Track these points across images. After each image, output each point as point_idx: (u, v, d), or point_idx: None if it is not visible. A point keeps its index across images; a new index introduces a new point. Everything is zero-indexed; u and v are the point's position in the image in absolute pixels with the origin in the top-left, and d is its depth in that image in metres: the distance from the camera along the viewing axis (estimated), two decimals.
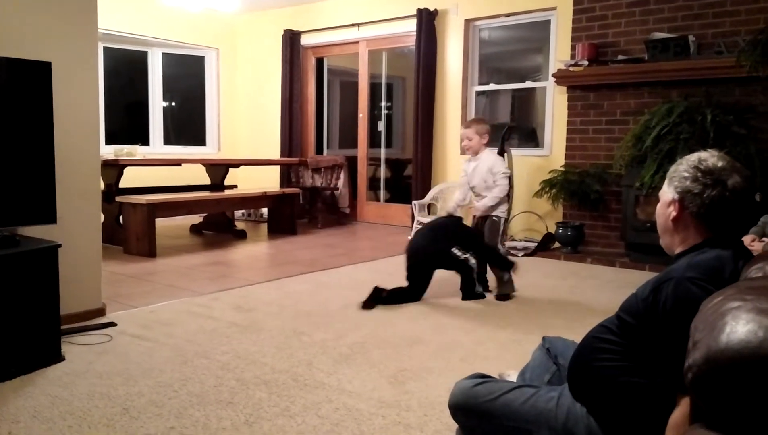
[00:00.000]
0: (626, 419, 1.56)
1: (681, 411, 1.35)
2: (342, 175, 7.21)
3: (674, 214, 1.59)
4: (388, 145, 7.73)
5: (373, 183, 7.66)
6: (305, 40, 7.56)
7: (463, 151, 4.00)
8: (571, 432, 1.61)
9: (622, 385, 1.57)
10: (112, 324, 2.99)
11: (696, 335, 1.08)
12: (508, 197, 5.73)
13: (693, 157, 1.59)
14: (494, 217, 3.83)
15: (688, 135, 4.21)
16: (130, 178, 5.62)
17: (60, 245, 2.51)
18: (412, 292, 3.61)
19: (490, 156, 3.87)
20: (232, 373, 2.40)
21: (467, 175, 3.95)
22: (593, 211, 5.31)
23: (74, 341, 2.73)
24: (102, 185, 4.95)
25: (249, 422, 1.98)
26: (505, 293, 3.73)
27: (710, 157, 1.58)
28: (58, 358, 2.50)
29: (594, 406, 1.62)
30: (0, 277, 2.31)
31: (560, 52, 5.57)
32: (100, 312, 3.14)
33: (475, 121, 3.94)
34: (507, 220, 3.95)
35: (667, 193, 1.62)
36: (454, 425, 1.85)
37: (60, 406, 2.09)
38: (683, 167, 1.59)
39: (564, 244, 5.28)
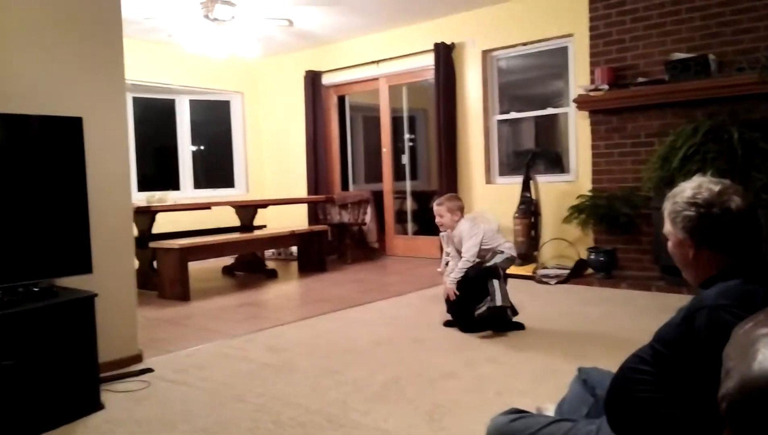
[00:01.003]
0: None
1: None
2: (369, 210, 7.26)
3: (692, 252, 1.58)
4: (413, 177, 7.78)
5: (400, 216, 7.69)
6: (326, 80, 7.72)
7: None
8: None
9: (661, 417, 1.54)
10: (149, 370, 3.04)
11: (728, 363, 1.06)
12: (534, 227, 5.71)
13: (686, 193, 1.57)
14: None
15: (714, 154, 4.17)
16: (162, 223, 5.75)
17: (96, 295, 2.58)
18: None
19: (461, 226, 3.84)
20: (267, 416, 2.41)
21: (453, 245, 3.97)
22: (624, 234, 5.24)
23: (113, 389, 2.77)
24: (135, 232, 5.08)
25: None
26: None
27: (701, 187, 1.56)
28: (98, 406, 2.54)
29: None
30: (39, 328, 2.38)
31: (579, 77, 5.59)
32: (137, 358, 3.19)
33: (446, 199, 3.94)
34: (507, 261, 3.82)
35: (676, 234, 1.60)
36: None
37: None
38: (680, 207, 1.57)
39: (597, 269, 5.21)
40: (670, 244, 1.66)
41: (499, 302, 3.59)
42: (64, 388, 2.44)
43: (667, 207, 1.63)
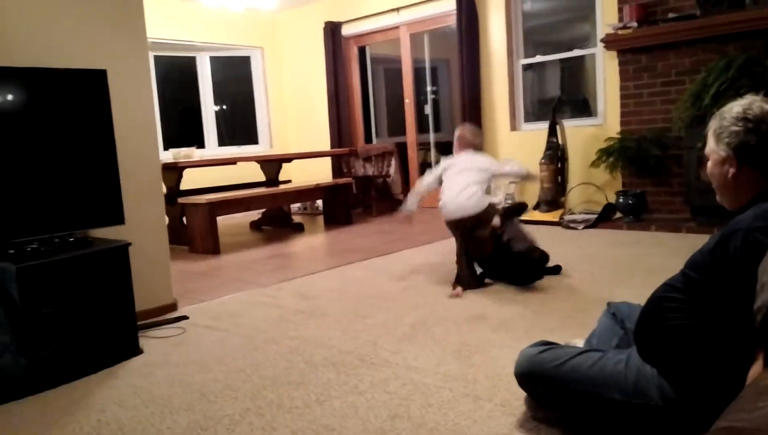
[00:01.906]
0: (698, 377, 1.53)
1: (760, 365, 1.32)
2: (393, 162, 7.23)
3: (733, 171, 1.55)
4: (437, 129, 7.71)
5: (424, 168, 7.64)
6: (346, 31, 7.60)
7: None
8: (643, 393, 1.59)
9: (692, 344, 1.54)
10: (185, 317, 3.12)
11: (764, 277, 1.05)
12: (561, 173, 5.60)
13: (735, 109, 1.54)
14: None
15: (748, 89, 4.02)
16: (189, 180, 5.82)
17: (130, 244, 2.64)
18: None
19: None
20: (300, 356, 2.47)
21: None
22: (654, 177, 5.15)
23: (150, 335, 2.87)
24: (164, 189, 5.15)
25: (320, 401, 2.04)
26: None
27: (753, 104, 1.53)
28: (137, 351, 2.64)
29: (664, 367, 1.59)
30: (77, 276, 2.45)
31: (607, 15, 5.40)
32: (172, 307, 3.28)
33: (468, 131, 3.83)
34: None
35: (719, 151, 1.57)
36: (522, 394, 1.85)
37: (142, 394, 2.21)
38: (728, 122, 1.55)
39: (626, 213, 5.14)
40: (710, 164, 1.63)
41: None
42: (104, 334, 2.53)
43: (713, 124, 1.60)
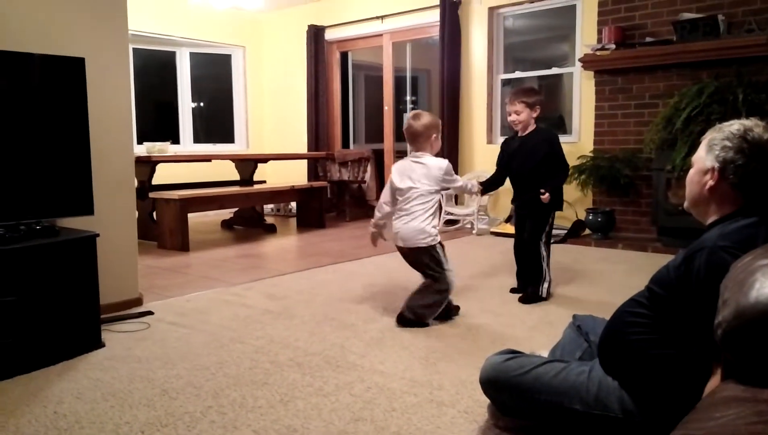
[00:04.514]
0: (659, 391, 1.56)
1: (718, 379, 1.35)
2: (369, 169, 7.24)
3: (711, 183, 1.57)
4: None
5: None
6: (329, 35, 7.61)
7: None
8: (603, 404, 1.61)
9: (654, 358, 1.57)
10: (150, 313, 3.07)
11: (725, 294, 1.08)
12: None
13: (736, 127, 1.56)
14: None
15: (718, 115, 4.15)
16: (161, 175, 5.74)
17: (98, 235, 2.59)
18: None
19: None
20: (266, 356, 2.45)
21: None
22: (624, 196, 5.25)
23: (113, 329, 2.82)
24: (136, 182, 5.08)
25: (284, 401, 2.02)
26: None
27: (755, 128, 1.54)
28: (99, 344, 2.58)
29: (626, 380, 1.62)
30: (42, 265, 2.39)
31: (586, 36, 5.51)
32: (138, 302, 3.22)
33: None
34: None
35: (706, 160, 1.59)
36: (486, 401, 1.87)
37: (102, 388, 2.16)
38: (724, 135, 1.56)
39: (594, 230, 5.23)
40: (692, 170, 1.65)
41: (544, 294, 3.33)
42: (66, 325, 2.47)
43: (709, 134, 1.62)
